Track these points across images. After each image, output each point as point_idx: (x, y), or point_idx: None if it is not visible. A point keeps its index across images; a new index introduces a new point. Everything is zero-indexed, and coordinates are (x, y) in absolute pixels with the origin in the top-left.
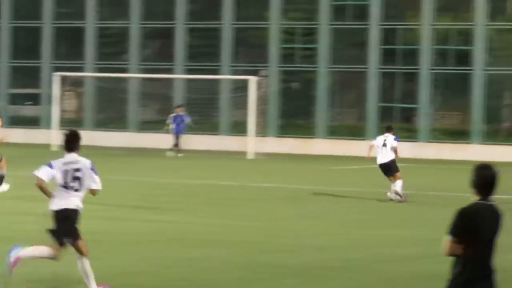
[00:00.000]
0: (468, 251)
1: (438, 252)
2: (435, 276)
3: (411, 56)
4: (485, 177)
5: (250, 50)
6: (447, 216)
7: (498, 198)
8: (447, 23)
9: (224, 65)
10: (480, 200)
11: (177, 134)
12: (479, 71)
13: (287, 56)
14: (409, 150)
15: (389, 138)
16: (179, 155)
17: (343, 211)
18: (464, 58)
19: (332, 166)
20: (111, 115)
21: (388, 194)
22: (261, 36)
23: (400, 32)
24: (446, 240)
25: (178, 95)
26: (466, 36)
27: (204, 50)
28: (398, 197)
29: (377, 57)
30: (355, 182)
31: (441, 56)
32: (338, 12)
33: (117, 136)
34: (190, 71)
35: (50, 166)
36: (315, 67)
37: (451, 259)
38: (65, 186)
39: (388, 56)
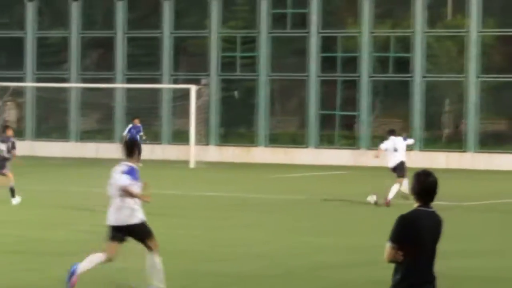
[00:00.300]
0: (408, 258)
1: (380, 259)
2: (377, 283)
3: (351, 63)
4: (425, 184)
5: (190, 59)
6: (388, 222)
7: (438, 204)
8: (386, 31)
9: (165, 74)
10: (420, 206)
11: None
12: (418, 78)
13: (227, 65)
14: (349, 157)
15: (398, 141)
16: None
17: (284, 219)
18: (403, 65)
19: (274, 175)
20: (52, 125)
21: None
22: (201, 45)
23: (340, 40)
24: (387, 247)
25: (119, 105)
26: (405, 43)
27: (144, 59)
28: (405, 198)
29: (317, 65)
30: (296, 190)
31: (380, 64)
32: (278, 20)
33: (58, 146)
34: (130, 80)
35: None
36: (255, 76)
37: (392, 265)
38: None
39: (328, 64)
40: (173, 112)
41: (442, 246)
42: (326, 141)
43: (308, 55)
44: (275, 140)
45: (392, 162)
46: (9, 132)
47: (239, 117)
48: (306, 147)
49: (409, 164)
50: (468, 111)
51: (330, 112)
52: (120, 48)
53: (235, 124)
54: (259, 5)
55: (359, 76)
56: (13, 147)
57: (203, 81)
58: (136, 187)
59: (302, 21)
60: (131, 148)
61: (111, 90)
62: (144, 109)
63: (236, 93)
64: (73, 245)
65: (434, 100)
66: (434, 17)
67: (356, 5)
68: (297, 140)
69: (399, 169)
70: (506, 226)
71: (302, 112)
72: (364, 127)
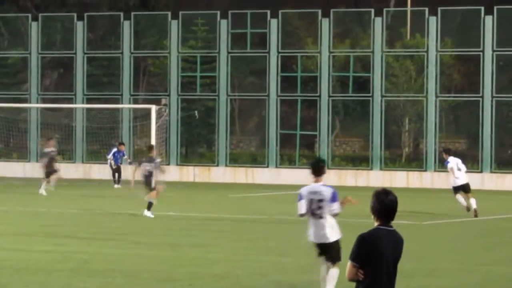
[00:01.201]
0: (369, 277)
1: (341, 277)
2: None
3: (311, 83)
4: (385, 203)
5: (150, 79)
6: (347, 241)
7: (398, 223)
8: (345, 50)
9: (125, 94)
10: (380, 225)
11: (118, 165)
12: (378, 97)
13: (187, 85)
14: (309, 177)
15: (458, 160)
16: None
17: (244, 238)
18: (363, 84)
19: (234, 194)
20: (12, 145)
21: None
22: (161, 65)
23: (300, 59)
24: (348, 266)
25: (79, 125)
26: (365, 63)
27: (104, 79)
28: (474, 214)
29: (277, 84)
30: (256, 210)
31: (340, 83)
32: (237, 40)
33: (18, 166)
34: (90, 100)
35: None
36: (215, 95)
37: (353, 284)
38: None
39: (288, 83)
40: (134, 132)
41: (403, 265)
42: (287, 160)
43: (268, 74)
44: (235, 159)
45: (460, 180)
46: (153, 153)
47: (199, 137)
48: (267, 166)
49: (369, 183)
50: (428, 130)
51: (290, 132)
52: (80, 68)
53: (195, 144)
54: (219, 25)
55: (319, 96)
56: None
57: (163, 101)
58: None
59: (262, 41)
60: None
61: (71, 110)
62: (104, 129)
63: (196, 113)
64: (34, 265)
65: (394, 120)
66: (393, 37)
67: (315, 25)
68: (257, 159)
69: (468, 188)
70: (465, 244)
71: (262, 132)
72: (324, 147)
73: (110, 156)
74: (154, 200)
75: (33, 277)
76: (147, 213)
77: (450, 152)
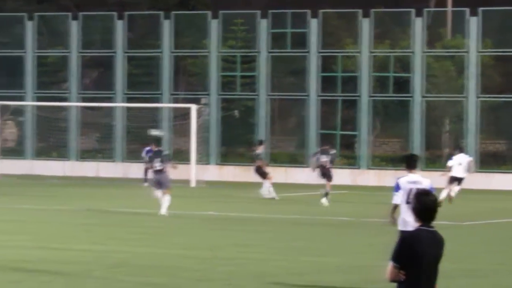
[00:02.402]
0: (410, 277)
1: (380, 278)
2: None
3: (351, 83)
4: (425, 204)
5: (190, 78)
6: (387, 243)
7: (439, 224)
8: (385, 51)
9: (165, 93)
10: (421, 226)
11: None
12: (418, 98)
13: (227, 84)
14: (349, 176)
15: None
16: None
17: (282, 238)
18: (403, 85)
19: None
20: (51, 144)
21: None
22: (201, 64)
23: (339, 59)
24: (389, 266)
25: (119, 124)
26: (404, 63)
27: (144, 79)
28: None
29: (317, 84)
30: (295, 210)
31: (380, 83)
32: (277, 40)
33: (57, 165)
34: (130, 99)
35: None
36: (255, 95)
37: (394, 285)
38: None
39: (327, 83)
40: (173, 131)
41: (443, 266)
42: None
43: (308, 74)
44: (274, 159)
45: (457, 173)
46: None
47: (239, 137)
48: (306, 166)
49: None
50: (468, 131)
51: (330, 132)
52: (120, 67)
53: (235, 144)
54: (259, 24)
55: (359, 96)
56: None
57: (203, 100)
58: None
59: (301, 41)
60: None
61: (111, 109)
62: (144, 128)
63: (236, 112)
64: (72, 264)
65: (434, 120)
66: (433, 37)
67: (355, 25)
68: (296, 159)
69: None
70: (505, 245)
71: (301, 132)
72: (363, 147)
73: (143, 154)
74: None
75: (72, 276)
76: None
77: (462, 150)
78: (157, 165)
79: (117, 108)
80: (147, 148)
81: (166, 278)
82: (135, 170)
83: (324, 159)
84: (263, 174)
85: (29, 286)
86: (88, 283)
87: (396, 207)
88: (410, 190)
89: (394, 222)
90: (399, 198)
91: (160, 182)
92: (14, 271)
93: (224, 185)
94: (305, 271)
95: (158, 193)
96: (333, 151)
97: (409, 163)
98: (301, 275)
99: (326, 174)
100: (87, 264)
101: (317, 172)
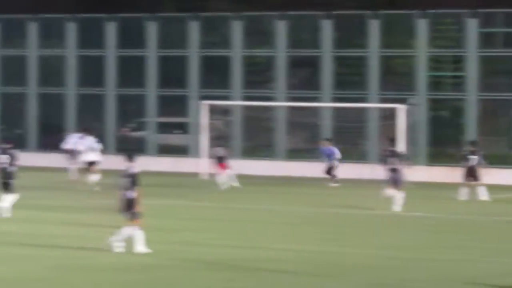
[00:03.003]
0: None
1: None
2: None
3: None
4: None
5: (397, 78)
6: None
7: None
8: None
9: (372, 93)
10: None
11: (331, 163)
12: None
13: (435, 84)
14: None
15: None
16: (334, 184)
17: (491, 239)
18: None
19: (493, 195)
20: (259, 143)
21: None
22: (409, 64)
23: None
24: None
25: (326, 124)
26: None
27: (351, 79)
28: None
29: None
30: (507, 211)
31: None
32: (486, 39)
33: (264, 164)
34: (337, 99)
35: None
36: (463, 95)
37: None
38: None
39: None
40: (380, 131)
41: None
42: None
43: None
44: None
45: None
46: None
47: (447, 137)
48: None
49: None
50: None
51: None
52: (327, 67)
53: (443, 144)
54: (467, 24)
55: None
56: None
57: (411, 101)
58: None
59: (511, 41)
60: None
61: (317, 109)
62: (350, 128)
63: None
64: (279, 264)
65: None
66: None
67: None
68: (505, 160)
69: None
70: None
71: (510, 133)
72: None
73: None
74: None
75: (281, 274)
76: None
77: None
78: (394, 164)
79: (324, 108)
80: (327, 148)
81: (373, 279)
82: (344, 169)
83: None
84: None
85: (241, 285)
86: (297, 283)
87: None
88: None
89: None
90: None
91: (396, 180)
92: (226, 270)
93: (433, 186)
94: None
95: (391, 191)
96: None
97: None
98: (504, 277)
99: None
100: (295, 264)
101: None
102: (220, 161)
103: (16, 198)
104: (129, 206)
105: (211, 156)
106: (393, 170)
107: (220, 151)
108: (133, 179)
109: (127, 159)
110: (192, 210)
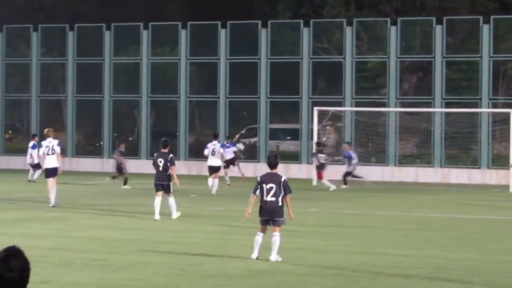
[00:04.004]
0: None
1: None
2: None
3: None
4: None
5: (510, 83)
6: None
7: None
8: None
9: (484, 98)
10: None
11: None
12: None
13: None
14: None
15: None
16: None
17: None
18: None
19: None
20: (370, 149)
21: None
22: None
23: None
24: None
25: (438, 129)
26: None
27: (463, 83)
28: None
29: None
30: None
31: None
32: None
33: (376, 170)
34: (449, 104)
35: None
36: None
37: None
38: None
39: None
40: (493, 136)
41: None
42: None
43: None
44: None
45: None
46: None
47: None
48: None
49: None
50: None
51: None
52: (439, 72)
53: None
54: None
55: None
56: None
57: None
58: None
59: None
60: None
61: (429, 114)
62: (463, 133)
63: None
64: (391, 269)
65: None
66: None
67: None
68: None
69: None
70: None
71: None
72: None
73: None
74: None
75: (391, 281)
76: None
77: None
78: None
79: (436, 113)
80: (347, 152)
81: (485, 285)
82: (454, 175)
83: None
84: None
85: None
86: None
87: None
88: None
89: None
90: None
91: None
92: (335, 276)
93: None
94: None
95: None
96: None
97: None
98: None
99: None
100: (406, 269)
101: None
102: (320, 168)
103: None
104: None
105: (314, 162)
106: None
107: (322, 158)
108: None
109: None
110: (303, 216)
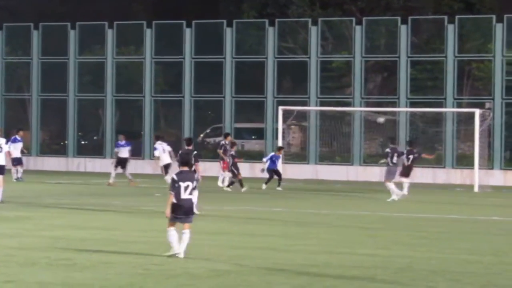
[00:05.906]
0: None
1: None
2: None
3: None
4: None
5: (474, 83)
6: None
7: None
8: None
9: (448, 97)
10: None
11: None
12: None
13: (511, 88)
14: None
15: None
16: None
17: None
18: None
19: None
20: (335, 149)
21: None
22: (485, 69)
23: None
24: None
25: (402, 128)
26: None
27: (428, 83)
28: None
29: None
30: None
31: None
32: None
33: (341, 170)
34: (414, 104)
35: None
36: None
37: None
38: None
39: None
40: (457, 136)
41: None
42: None
43: None
44: None
45: None
46: None
47: None
48: None
49: None
50: None
51: None
52: (403, 71)
53: None
54: None
55: None
56: None
57: (487, 105)
58: None
59: None
60: None
61: (394, 114)
62: (427, 132)
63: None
64: (356, 269)
65: None
66: None
67: None
68: None
69: None
70: None
71: None
72: None
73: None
74: None
75: (356, 280)
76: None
77: None
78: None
79: (401, 113)
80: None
81: (451, 283)
82: (419, 174)
83: None
84: None
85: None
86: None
87: None
88: None
89: None
90: None
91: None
92: (299, 275)
93: (509, 190)
94: None
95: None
96: None
97: None
98: None
99: None
100: (371, 269)
101: None
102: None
103: None
104: None
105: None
106: None
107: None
108: None
109: None
110: (258, 214)
